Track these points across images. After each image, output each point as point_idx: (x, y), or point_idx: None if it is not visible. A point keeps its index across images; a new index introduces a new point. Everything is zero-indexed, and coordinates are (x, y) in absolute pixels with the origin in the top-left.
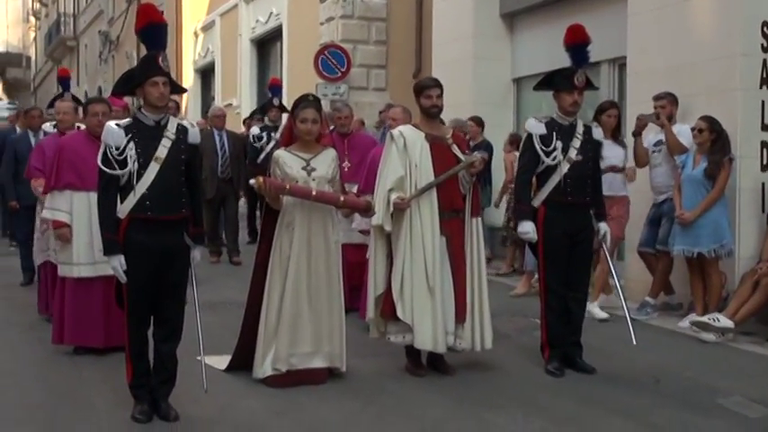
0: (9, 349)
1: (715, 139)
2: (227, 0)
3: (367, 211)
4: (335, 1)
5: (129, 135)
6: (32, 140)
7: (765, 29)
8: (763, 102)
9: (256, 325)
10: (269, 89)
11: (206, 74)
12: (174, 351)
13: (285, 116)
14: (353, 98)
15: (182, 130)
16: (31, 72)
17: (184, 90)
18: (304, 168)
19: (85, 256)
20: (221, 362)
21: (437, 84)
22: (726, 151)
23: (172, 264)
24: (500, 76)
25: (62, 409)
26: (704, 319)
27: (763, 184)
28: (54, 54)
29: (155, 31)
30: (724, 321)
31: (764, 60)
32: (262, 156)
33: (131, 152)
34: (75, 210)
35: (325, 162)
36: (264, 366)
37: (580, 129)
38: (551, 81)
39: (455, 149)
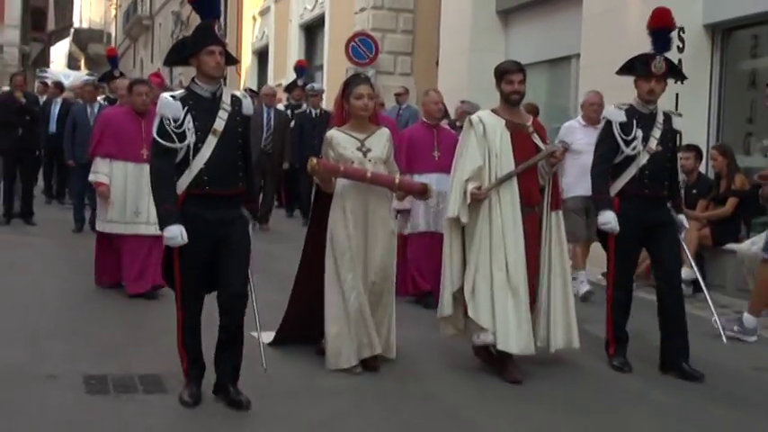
0: (57, 275)
1: None
2: None
3: (423, 194)
4: None
5: (186, 107)
6: (88, 110)
7: (681, 33)
8: (677, 94)
9: (301, 306)
10: (294, 70)
11: (262, 55)
12: (241, 323)
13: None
14: (381, 82)
15: (236, 101)
16: None
17: (237, 61)
18: (359, 149)
19: (118, 216)
20: (267, 337)
21: (520, 68)
22: None
23: (230, 233)
24: (494, 66)
25: (78, 309)
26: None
27: None
28: (131, 32)
29: None
30: None
31: (680, 60)
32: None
33: (189, 125)
34: (113, 175)
35: (380, 142)
36: (335, 358)
37: (660, 117)
38: (632, 66)
39: (535, 138)
